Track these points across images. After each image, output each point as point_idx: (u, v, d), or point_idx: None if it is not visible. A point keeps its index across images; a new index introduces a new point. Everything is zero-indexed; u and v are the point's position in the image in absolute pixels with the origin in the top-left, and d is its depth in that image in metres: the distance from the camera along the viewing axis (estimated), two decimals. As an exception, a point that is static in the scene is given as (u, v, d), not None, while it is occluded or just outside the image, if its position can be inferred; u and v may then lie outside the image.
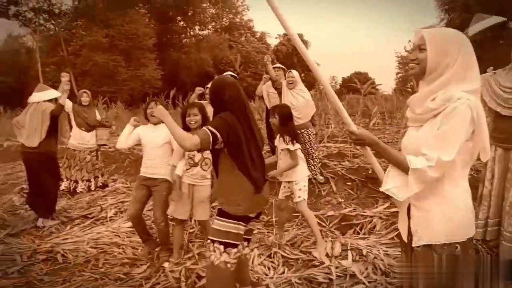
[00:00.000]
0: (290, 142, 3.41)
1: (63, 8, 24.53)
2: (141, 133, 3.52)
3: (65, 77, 4.68)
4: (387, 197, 4.41)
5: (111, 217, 4.72)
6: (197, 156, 3.25)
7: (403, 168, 1.58)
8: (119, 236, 4.09)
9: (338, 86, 36.31)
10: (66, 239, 4.07)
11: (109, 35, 21.68)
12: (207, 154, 3.22)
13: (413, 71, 1.69)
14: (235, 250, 2.26)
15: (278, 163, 3.58)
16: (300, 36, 32.11)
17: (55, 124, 4.57)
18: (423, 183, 1.54)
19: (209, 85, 4.89)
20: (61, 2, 24.45)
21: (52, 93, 4.69)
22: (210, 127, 2.13)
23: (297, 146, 3.47)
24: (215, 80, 2.40)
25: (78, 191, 5.72)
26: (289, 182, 3.60)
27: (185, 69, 25.04)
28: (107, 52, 21.23)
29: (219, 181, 2.39)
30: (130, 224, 4.36)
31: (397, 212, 3.95)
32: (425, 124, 1.63)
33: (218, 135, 2.11)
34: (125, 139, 3.52)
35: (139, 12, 24.57)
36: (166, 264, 3.36)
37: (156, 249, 3.60)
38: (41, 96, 4.61)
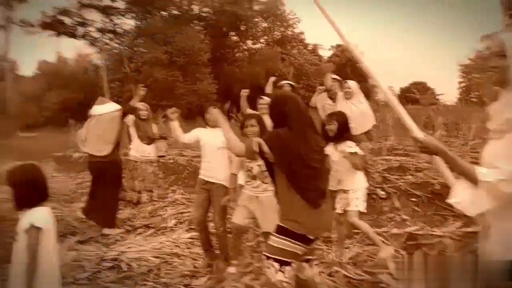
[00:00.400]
0: (355, 146, 3.34)
1: (126, 27, 26.25)
2: (200, 134, 3.60)
3: (143, 90, 4.96)
4: (458, 215, 4.11)
5: (171, 227, 4.84)
6: (255, 169, 3.25)
7: (473, 180, 1.46)
8: (179, 246, 4.17)
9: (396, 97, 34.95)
10: (130, 247, 4.22)
11: (167, 51, 22.73)
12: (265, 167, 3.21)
13: (493, 79, 1.55)
14: (289, 268, 2.19)
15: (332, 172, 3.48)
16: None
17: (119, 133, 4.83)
18: (496, 199, 1.39)
19: (263, 97, 4.94)
20: (124, 22, 26.21)
21: (112, 106, 4.95)
22: (259, 138, 2.19)
23: (361, 151, 3.39)
24: (276, 94, 2.41)
25: (142, 201, 5.96)
26: (345, 191, 3.48)
27: (239, 82, 25.45)
28: (166, 68, 22.26)
29: (278, 196, 2.36)
30: (189, 235, 4.45)
31: (471, 232, 3.66)
32: (506, 136, 1.49)
33: (264, 147, 2.10)
34: (180, 133, 3.63)
35: (194, 29, 25.57)
36: (232, 269, 3.37)
37: (216, 261, 3.62)
38: (102, 109, 4.87)
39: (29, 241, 2.08)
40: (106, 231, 4.71)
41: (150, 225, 4.96)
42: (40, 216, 2.13)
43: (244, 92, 5.06)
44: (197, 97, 22.77)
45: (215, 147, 3.51)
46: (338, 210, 3.54)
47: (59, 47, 45.41)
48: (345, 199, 3.50)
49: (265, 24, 31.17)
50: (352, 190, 3.45)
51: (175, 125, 3.62)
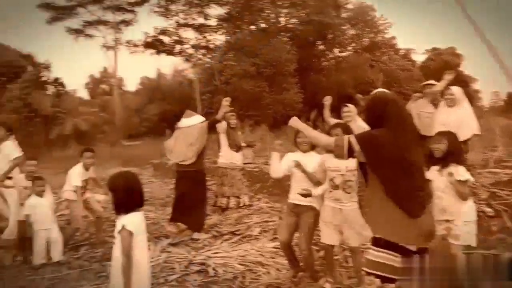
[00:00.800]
0: (466, 172, 2.94)
1: (217, 43, 27.74)
2: (292, 159, 3.51)
3: (227, 101, 5.23)
4: None
5: (256, 235, 4.86)
6: (338, 179, 3.10)
7: None
8: (263, 255, 4.14)
9: (501, 103, 31.32)
10: (217, 253, 4.32)
11: (255, 63, 23.42)
12: (349, 176, 3.06)
13: None
14: (392, 286, 1.99)
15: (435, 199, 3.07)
16: (453, 49, 29.10)
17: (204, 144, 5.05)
18: None
19: (348, 105, 4.75)
20: (215, 38, 27.74)
21: (198, 119, 5.22)
22: (350, 136, 2.09)
23: (473, 178, 2.97)
24: (376, 95, 2.26)
25: (229, 207, 6.12)
26: (448, 221, 3.05)
27: (326, 91, 25.17)
28: (254, 79, 22.96)
29: (370, 201, 2.19)
30: (273, 244, 4.41)
31: None
32: None
33: (355, 146, 1.95)
34: (276, 167, 3.52)
35: (281, 40, 25.97)
36: (327, 286, 3.25)
37: (301, 273, 3.51)
38: (189, 121, 5.17)
39: (122, 243, 2.21)
40: (196, 235, 4.91)
41: (235, 232, 5.04)
42: (132, 220, 2.26)
43: (327, 101, 4.92)
44: (282, 107, 23.01)
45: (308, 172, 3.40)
46: None
47: (159, 64, 49.83)
48: (447, 228, 3.07)
49: (353, 31, 30.46)
50: (462, 221, 3.00)
51: (276, 157, 3.54)
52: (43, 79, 25.29)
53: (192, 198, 4.97)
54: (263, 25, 27.17)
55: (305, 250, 3.34)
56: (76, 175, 4.64)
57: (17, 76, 23.95)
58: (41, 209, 4.24)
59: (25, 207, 4.21)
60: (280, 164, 3.51)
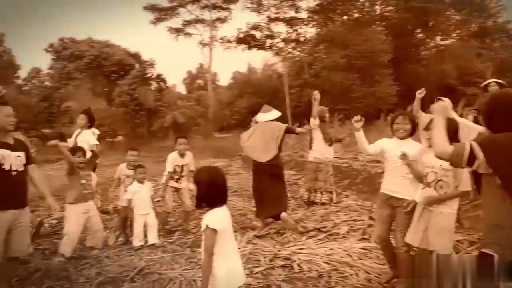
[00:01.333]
0: None
1: (308, 35, 27.43)
2: (385, 145, 3.27)
3: (317, 95, 5.50)
4: None
5: (343, 234, 4.66)
6: (430, 176, 2.83)
7: None
8: (350, 256, 3.95)
9: None
10: (302, 249, 4.23)
11: (346, 55, 22.65)
12: (441, 175, 2.79)
13: None
14: None
15: None
16: None
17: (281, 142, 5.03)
18: None
19: (442, 98, 4.26)
20: (305, 31, 27.44)
21: (275, 114, 5.18)
22: (472, 142, 1.77)
23: None
24: (504, 94, 1.92)
25: (322, 201, 6.01)
26: None
27: (424, 83, 23.36)
28: (344, 72, 22.24)
29: (484, 214, 1.90)
30: (362, 245, 4.19)
31: None
32: None
33: (478, 153, 1.72)
34: (362, 144, 3.36)
35: (375, 30, 24.66)
36: None
37: (395, 280, 3.26)
38: (266, 116, 5.13)
39: (205, 241, 2.24)
40: (283, 216, 4.81)
41: (321, 229, 4.90)
42: (216, 217, 2.26)
43: (420, 94, 4.51)
44: (374, 100, 21.93)
45: (400, 161, 3.13)
46: None
47: (250, 59, 51.15)
48: None
49: (458, 17, 27.64)
50: None
51: (360, 135, 3.36)
52: (148, 75, 27.72)
53: (271, 191, 4.94)
54: (356, 15, 26.10)
55: (404, 246, 3.08)
56: (170, 160, 4.95)
57: (125, 73, 26.65)
58: (141, 195, 4.59)
59: (127, 192, 4.61)
60: (366, 143, 3.35)
